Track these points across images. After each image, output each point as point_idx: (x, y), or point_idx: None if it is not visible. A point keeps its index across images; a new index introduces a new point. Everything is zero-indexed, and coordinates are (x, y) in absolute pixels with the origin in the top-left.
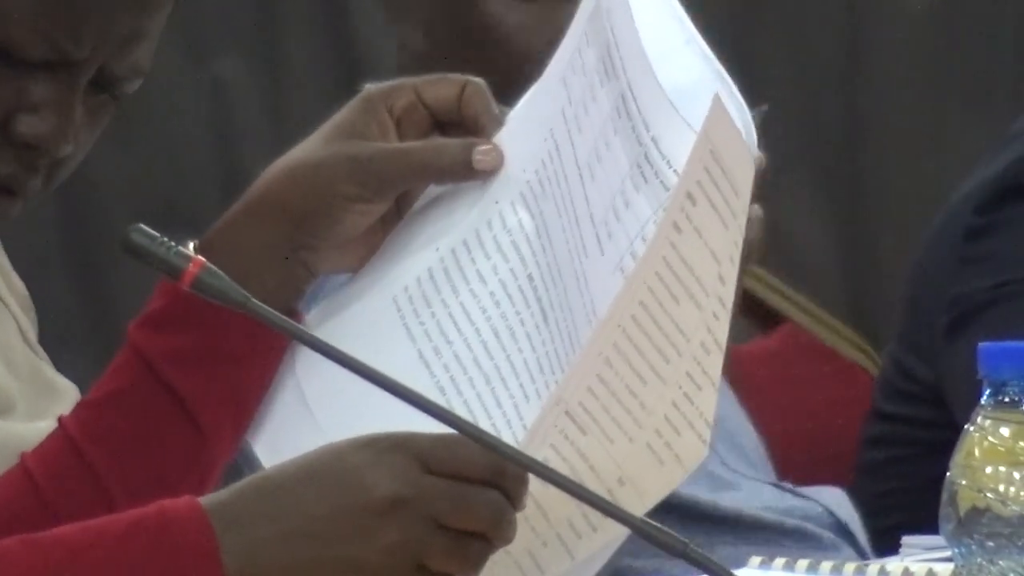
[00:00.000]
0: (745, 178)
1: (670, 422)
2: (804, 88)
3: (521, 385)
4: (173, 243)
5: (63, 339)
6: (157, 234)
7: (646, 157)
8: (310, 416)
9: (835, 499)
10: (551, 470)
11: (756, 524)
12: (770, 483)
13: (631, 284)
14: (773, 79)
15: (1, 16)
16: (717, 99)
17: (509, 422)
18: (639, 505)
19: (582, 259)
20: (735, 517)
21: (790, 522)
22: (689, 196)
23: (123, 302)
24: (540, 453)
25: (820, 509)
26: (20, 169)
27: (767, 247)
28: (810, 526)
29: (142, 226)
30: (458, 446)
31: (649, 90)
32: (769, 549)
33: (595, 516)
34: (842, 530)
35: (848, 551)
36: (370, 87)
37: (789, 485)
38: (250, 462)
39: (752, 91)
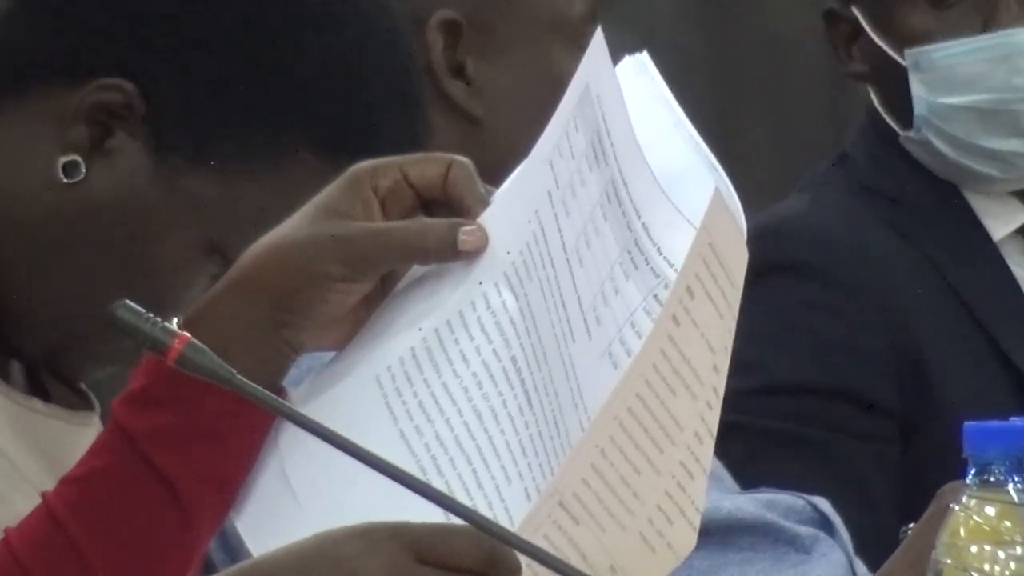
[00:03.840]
0: (740, 269)
1: (663, 511)
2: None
3: (503, 467)
4: (159, 319)
5: None
6: (143, 310)
7: (636, 244)
8: (292, 495)
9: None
10: (550, 555)
11: (732, 528)
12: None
13: (628, 377)
14: (757, 165)
15: None
16: (717, 194)
17: (490, 504)
18: None
19: (568, 343)
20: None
21: (768, 517)
22: (688, 290)
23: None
24: (533, 542)
25: (803, 503)
26: None
27: None
28: (788, 523)
29: (128, 302)
30: (452, 535)
31: (641, 177)
32: (745, 555)
33: None
34: (826, 524)
35: (833, 548)
36: (356, 166)
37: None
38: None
39: (736, 177)
